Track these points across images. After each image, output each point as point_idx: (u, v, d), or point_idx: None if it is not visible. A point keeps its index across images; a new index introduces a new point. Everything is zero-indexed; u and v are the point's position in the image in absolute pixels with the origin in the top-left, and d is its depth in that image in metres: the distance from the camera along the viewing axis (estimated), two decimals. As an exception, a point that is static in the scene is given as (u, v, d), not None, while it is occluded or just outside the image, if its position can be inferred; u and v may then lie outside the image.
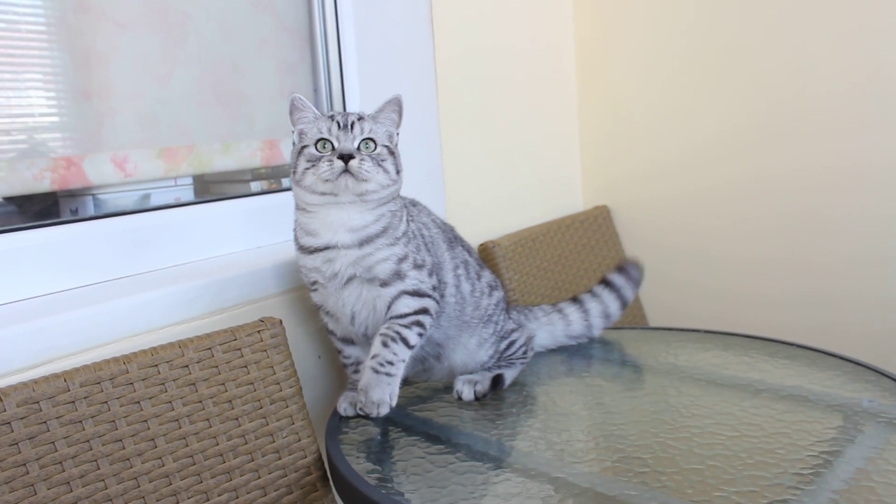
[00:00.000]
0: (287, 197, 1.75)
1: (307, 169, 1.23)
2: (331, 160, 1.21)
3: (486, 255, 1.89)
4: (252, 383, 1.23)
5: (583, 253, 2.22)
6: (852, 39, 1.94)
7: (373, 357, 1.25)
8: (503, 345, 1.46)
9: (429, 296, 1.30)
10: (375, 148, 1.25)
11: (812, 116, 2.03)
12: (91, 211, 1.50)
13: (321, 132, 1.24)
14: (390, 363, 1.24)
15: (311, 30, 1.90)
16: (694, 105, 2.23)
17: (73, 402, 1.05)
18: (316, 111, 1.28)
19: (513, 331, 1.48)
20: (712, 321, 2.20)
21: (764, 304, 2.17)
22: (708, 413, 1.28)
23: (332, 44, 1.90)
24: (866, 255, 1.99)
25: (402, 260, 1.28)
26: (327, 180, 1.21)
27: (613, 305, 1.67)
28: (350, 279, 1.27)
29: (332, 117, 1.25)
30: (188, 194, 1.67)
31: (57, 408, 1.03)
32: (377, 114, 1.29)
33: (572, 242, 2.20)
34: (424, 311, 1.29)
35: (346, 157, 1.20)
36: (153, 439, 1.11)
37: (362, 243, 1.26)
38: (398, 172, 1.28)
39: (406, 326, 1.27)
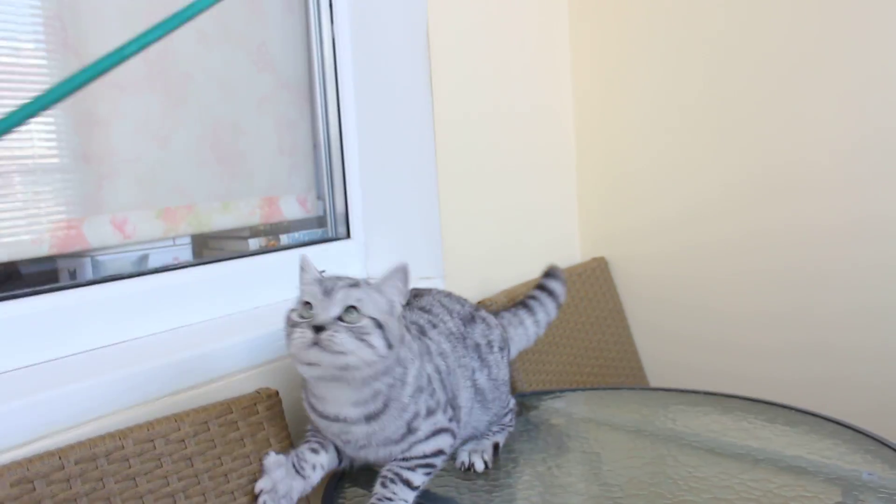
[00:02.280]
0: (286, 256, 1.77)
1: (289, 335, 1.13)
2: (304, 329, 1.10)
3: (484, 315, 1.89)
4: (247, 456, 1.22)
5: (580, 306, 2.22)
6: (850, 99, 1.96)
7: (373, 494, 1.19)
8: (502, 407, 1.45)
9: (445, 430, 1.26)
10: (359, 320, 1.12)
11: (809, 174, 2.04)
12: (89, 273, 1.50)
13: (305, 294, 1.15)
14: (389, 499, 1.17)
15: (310, 87, 1.91)
16: (692, 162, 2.24)
17: (68, 479, 1.04)
18: (317, 273, 1.21)
19: (509, 390, 1.48)
20: (711, 374, 2.20)
21: (763, 357, 2.16)
22: (706, 486, 1.27)
23: (332, 101, 1.92)
24: (865, 307, 2.00)
25: (411, 421, 1.21)
26: (299, 350, 1.11)
27: (553, 312, 1.74)
28: (365, 446, 1.22)
29: (320, 282, 1.16)
30: (186, 253, 1.68)
31: (51, 486, 1.02)
32: (381, 282, 1.19)
33: (569, 295, 2.19)
34: (439, 452, 1.25)
35: (318, 328, 1.09)
36: (148, 516, 1.10)
37: (369, 419, 1.18)
38: (389, 347, 1.14)
39: (411, 469, 1.21)
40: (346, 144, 1.94)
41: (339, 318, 1.11)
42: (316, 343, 1.09)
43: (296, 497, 1.18)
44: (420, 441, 1.23)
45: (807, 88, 2.02)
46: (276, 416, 1.28)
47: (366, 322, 1.12)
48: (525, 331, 1.67)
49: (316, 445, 1.25)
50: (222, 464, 1.19)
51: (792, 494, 1.22)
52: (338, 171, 1.95)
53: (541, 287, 1.76)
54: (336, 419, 1.19)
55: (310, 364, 1.12)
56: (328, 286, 1.14)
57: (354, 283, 1.16)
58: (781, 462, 1.34)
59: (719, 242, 2.22)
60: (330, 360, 1.10)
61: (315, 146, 1.95)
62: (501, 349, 1.47)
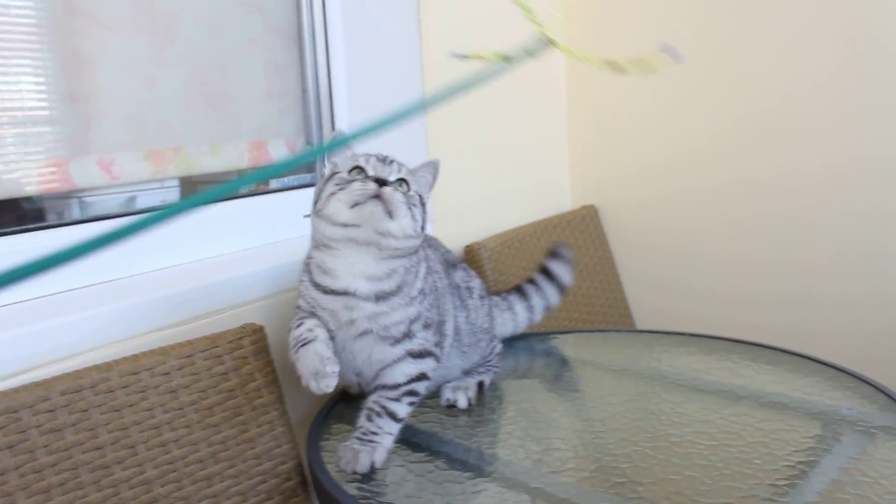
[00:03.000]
0: (276, 199, 1.77)
1: (333, 193, 1.13)
2: (364, 181, 1.12)
3: (472, 257, 1.89)
4: (232, 390, 1.24)
5: (570, 253, 2.22)
6: (838, 45, 1.95)
7: (357, 428, 1.19)
8: (487, 350, 1.46)
9: (431, 354, 1.25)
10: (409, 190, 1.18)
11: (798, 120, 2.03)
12: (76, 214, 1.50)
13: (356, 161, 1.17)
14: (374, 433, 1.18)
15: (299, 31, 1.90)
16: (682, 108, 2.23)
17: (54, 410, 1.05)
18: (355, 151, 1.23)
19: (494, 336, 1.49)
20: (698, 321, 2.21)
21: (750, 305, 2.18)
22: (688, 421, 1.29)
23: (321, 45, 1.90)
24: (852, 255, 2.00)
25: (413, 321, 1.21)
26: (355, 203, 1.11)
27: (554, 298, 1.67)
28: (365, 333, 1.19)
29: (369, 154, 1.20)
30: (174, 196, 1.68)
31: (37, 416, 1.04)
32: (414, 170, 1.24)
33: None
34: (422, 376, 1.24)
35: (380, 182, 1.12)
36: (133, 447, 1.11)
37: (378, 298, 1.17)
38: (423, 228, 1.19)
39: (396, 399, 1.21)
40: (335, 89, 1.93)
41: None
42: (377, 196, 1.11)
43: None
44: (412, 353, 1.22)
45: (795, 33, 2.01)
46: (261, 351, 1.29)
47: (414, 195, 1.18)
48: (514, 316, 1.62)
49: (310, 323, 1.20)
50: (207, 397, 1.20)
51: (772, 428, 1.24)
52: (326, 116, 1.94)
53: (542, 269, 1.69)
54: (345, 293, 1.17)
55: (351, 225, 1.13)
56: (382, 155, 1.19)
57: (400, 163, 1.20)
58: (763, 398, 1.35)
59: (708, 189, 2.22)
60: (378, 220, 1.12)
61: (304, 91, 1.94)
62: (482, 297, 1.47)
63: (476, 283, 1.48)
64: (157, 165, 1.61)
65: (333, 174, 1.18)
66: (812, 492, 1.05)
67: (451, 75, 1.97)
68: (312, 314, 1.21)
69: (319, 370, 1.11)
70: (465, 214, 2.04)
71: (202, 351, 1.21)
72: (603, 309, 2.28)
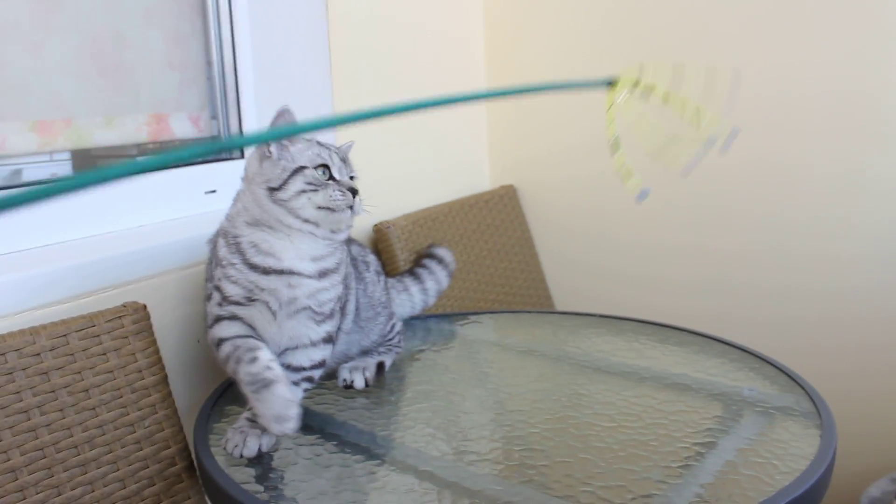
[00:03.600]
0: (176, 174, 1.70)
1: (304, 192, 1.14)
2: (342, 191, 1.16)
3: (380, 237, 1.84)
4: (111, 371, 1.17)
5: (486, 233, 2.19)
6: (753, 46, 1.95)
7: (248, 409, 1.16)
8: (387, 328, 1.42)
9: (332, 341, 1.25)
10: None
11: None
12: (-47, 187, 1.42)
13: (321, 157, 1.18)
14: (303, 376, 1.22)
15: (203, 0, 1.82)
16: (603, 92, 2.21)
17: None
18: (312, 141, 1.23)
19: (393, 314, 1.45)
20: (616, 304, 2.19)
21: (666, 289, 2.17)
22: (589, 402, 1.26)
23: (225, 15, 1.83)
24: (764, 247, 2.01)
25: (341, 297, 1.24)
26: (329, 210, 1.15)
27: (445, 281, 1.70)
28: (302, 309, 1.18)
29: (320, 144, 1.21)
30: (66, 170, 1.59)
31: None
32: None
33: (475, 222, 2.16)
34: (322, 363, 1.24)
35: (353, 191, 1.17)
36: (-2, 432, 1.04)
37: (321, 275, 1.19)
38: None
39: (295, 383, 1.20)
40: (240, 60, 1.86)
41: None
42: (350, 206, 1.17)
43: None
44: (324, 337, 1.22)
45: (720, 26, 1.99)
46: (144, 330, 1.23)
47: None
48: (410, 297, 1.64)
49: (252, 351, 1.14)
50: (83, 379, 1.13)
51: (672, 409, 1.22)
52: (231, 89, 1.87)
53: (428, 255, 1.74)
54: (290, 272, 1.16)
55: (314, 222, 1.16)
56: (341, 153, 1.23)
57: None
58: (666, 380, 1.33)
59: (627, 173, 2.21)
60: (345, 223, 1.19)
61: (208, 63, 1.86)
62: (378, 273, 1.45)
63: (371, 258, 1.45)
64: (44, 137, 1.53)
65: (301, 168, 1.15)
66: (705, 473, 1.03)
67: (357, 41, 1.92)
68: (241, 307, 1.18)
69: (283, 414, 1.08)
70: (377, 193, 1.97)
71: (77, 331, 1.14)
72: (522, 290, 2.25)
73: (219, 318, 1.18)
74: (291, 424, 1.08)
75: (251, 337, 1.17)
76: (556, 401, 1.28)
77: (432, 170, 2.23)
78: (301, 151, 1.18)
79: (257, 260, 1.16)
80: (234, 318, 1.17)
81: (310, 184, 1.14)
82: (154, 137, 1.75)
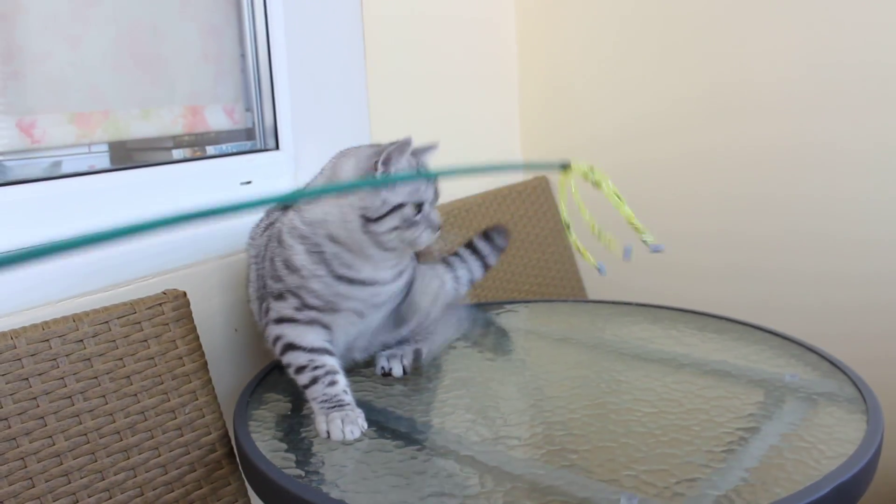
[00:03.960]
0: (211, 165, 1.71)
1: (397, 228, 1.14)
2: (431, 229, 1.18)
3: (416, 227, 1.84)
4: (152, 358, 1.18)
5: (519, 224, 2.18)
6: (799, 28, 1.92)
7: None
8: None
9: None
10: None
11: (754, 98, 2.00)
12: (-5, 177, 1.43)
13: (419, 194, 1.17)
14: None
15: (237, -8, 1.83)
16: (637, 79, 2.19)
17: (-46, 378, 0.99)
18: (411, 160, 1.21)
19: None
20: (651, 294, 2.17)
21: (702, 279, 2.15)
22: (628, 389, 1.25)
23: (259, 7, 1.84)
24: (801, 232, 1.99)
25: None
26: (410, 243, 1.17)
27: (478, 272, 1.64)
28: (384, 305, 1.25)
29: (420, 172, 1.21)
30: (104, 162, 1.60)
31: (-66, 385, 0.97)
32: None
33: (509, 213, 2.16)
34: None
35: (437, 228, 1.20)
36: (42, 417, 1.05)
37: (398, 276, 1.24)
38: None
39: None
40: (275, 53, 1.86)
41: None
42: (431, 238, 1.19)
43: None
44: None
45: (757, 8, 1.97)
46: (184, 318, 1.23)
47: None
48: (442, 286, 1.58)
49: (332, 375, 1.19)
50: (124, 365, 1.14)
51: (713, 395, 1.20)
52: (266, 81, 1.87)
53: (469, 245, 1.68)
54: (373, 283, 1.20)
55: (394, 249, 1.18)
56: (436, 189, 1.23)
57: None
58: (706, 366, 1.32)
59: (661, 162, 2.19)
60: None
61: (242, 55, 1.87)
62: (412, 260, 1.44)
63: None
64: (82, 129, 1.54)
65: (401, 206, 1.15)
66: (750, 457, 1.01)
67: (395, 34, 1.92)
68: (324, 314, 1.21)
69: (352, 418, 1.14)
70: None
71: (119, 317, 1.15)
72: (555, 281, 2.24)
73: (293, 320, 1.19)
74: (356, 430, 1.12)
75: (328, 353, 1.20)
76: (595, 387, 1.27)
77: (464, 159, 2.22)
78: (404, 189, 1.16)
79: (343, 272, 1.18)
80: (312, 322, 1.19)
81: (404, 221, 1.15)
82: (189, 129, 1.76)
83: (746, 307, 2.00)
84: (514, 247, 2.14)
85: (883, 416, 1.09)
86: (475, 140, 2.28)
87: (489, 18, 2.31)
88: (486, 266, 1.64)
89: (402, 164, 1.17)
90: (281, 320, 1.20)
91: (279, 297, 1.20)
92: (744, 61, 2.01)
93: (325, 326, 1.21)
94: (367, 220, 1.14)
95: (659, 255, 2.17)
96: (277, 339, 1.20)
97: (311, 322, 1.19)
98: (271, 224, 1.28)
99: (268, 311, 1.22)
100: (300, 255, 1.18)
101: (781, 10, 1.94)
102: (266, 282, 1.22)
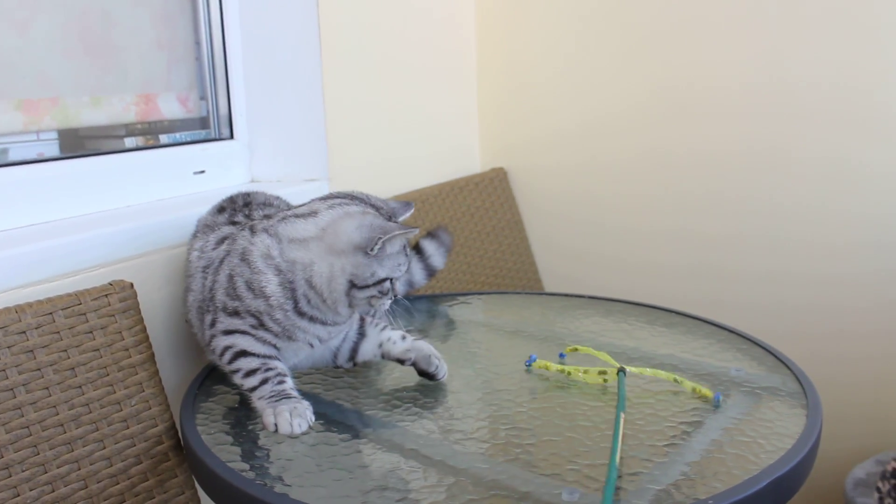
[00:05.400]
0: (163, 154, 1.69)
1: (374, 297, 1.19)
2: (394, 298, 1.24)
3: (370, 218, 1.84)
4: (98, 349, 1.16)
5: (476, 215, 2.18)
6: (753, 36, 1.94)
7: (403, 338, 1.32)
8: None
9: None
10: None
11: (708, 101, 2.03)
12: (-63, 164, 1.41)
13: (400, 269, 1.21)
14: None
15: (191, -21, 1.81)
16: (596, 75, 2.20)
17: None
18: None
19: None
20: (605, 288, 2.19)
21: (655, 275, 2.17)
22: (576, 382, 1.26)
23: (214, -6, 1.82)
24: (751, 232, 2.03)
25: None
26: (375, 307, 1.22)
27: (419, 275, 1.66)
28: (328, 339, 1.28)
29: (405, 246, 1.22)
30: (53, 149, 1.58)
31: None
32: None
33: (465, 204, 2.16)
34: None
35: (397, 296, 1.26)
36: (-18, 410, 1.04)
37: (350, 319, 1.28)
38: None
39: None
40: (229, 41, 1.85)
41: None
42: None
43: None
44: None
45: (713, 12, 1.99)
46: (130, 309, 1.22)
47: None
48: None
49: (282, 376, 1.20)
50: (69, 357, 1.13)
51: (659, 389, 1.22)
52: (220, 70, 1.86)
53: (414, 246, 1.70)
54: (333, 324, 1.23)
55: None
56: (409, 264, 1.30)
57: None
58: (654, 360, 1.34)
59: (617, 160, 2.20)
60: None
61: (197, 43, 1.85)
62: None
63: None
64: (30, 116, 1.52)
65: (387, 279, 1.19)
66: (691, 451, 1.03)
67: (347, 19, 1.90)
68: (273, 349, 1.21)
69: (296, 418, 1.13)
70: (364, 175, 1.98)
71: (63, 308, 1.14)
72: (511, 273, 2.25)
73: (245, 333, 1.19)
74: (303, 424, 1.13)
75: (278, 360, 1.21)
76: (542, 380, 1.28)
77: (422, 152, 2.22)
78: (391, 257, 1.19)
79: (306, 309, 1.19)
80: (265, 342, 1.20)
81: (380, 291, 1.19)
82: (142, 118, 1.74)
83: (698, 304, 2.03)
84: (470, 239, 2.14)
85: (822, 412, 1.11)
86: (432, 133, 2.27)
87: (449, 13, 2.31)
88: (429, 269, 1.66)
89: (396, 246, 1.19)
90: (232, 332, 1.19)
91: (234, 313, 1.18)
92: (699, 65, 2.04)
93: (275, 348, 1.21)
94: (353, 285, 1.16)
95: (615, 252, 2.21)
96: (227, 348, 1.19)
97: (264, 342, 1.19)
98: (225, 238, 1.26)
99: (214, 322, 1.20)
100: (272, 285, 1.17)
101: (736, 17, 1.96)
102: (215, 295, 1.20)
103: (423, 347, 1.29)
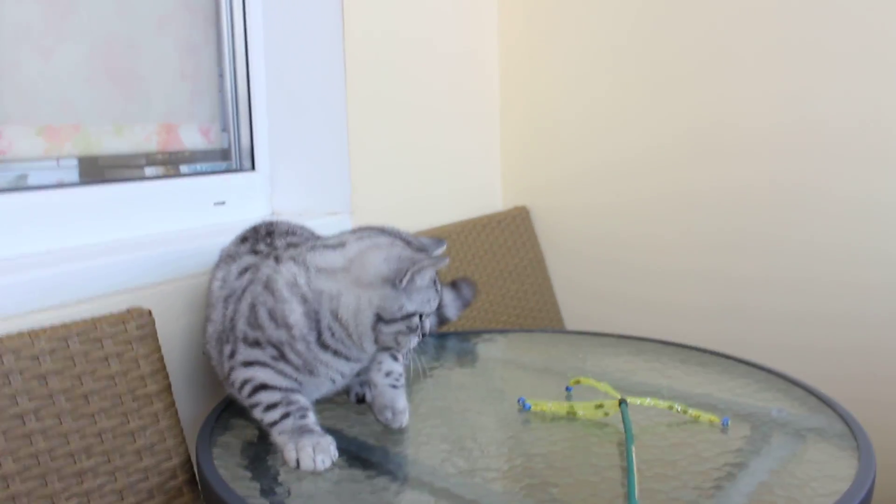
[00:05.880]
0: (184, 184, 1.66)
1: (401, 332, 1.13)
2: (420, 335, 1.17)
3: (393, 253, 1.79)
4: (112, 377, 1.12)
5: (498, 254, 2.14)
6: (782, 74, 1.91)
7: (387, 374, 1.21)
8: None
9: None
10: None
11: (736, 140, 1.99)
12: (-44, 188, 1.38)
13: (430, 305, 1.16)
14: (401, 374, 1.24)
15: (216, 10, 1.79)
16: (620, 115, 2.17)
17: None
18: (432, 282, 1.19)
19: None
20: (629, 331, 2.13)
21: (680, 316, 2.11)
22: (610, 420, 1.20)
23: (239, 26, 1.80)
24: (781, 272, 1.97)
25: None
26: (402, 345, 1.15)
27: (454, 315, 1.62)
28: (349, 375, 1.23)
29: (435, 279, 1.17)
30: (73, 177, 1.55)
31: None
32: None
33: (487, 242, 2.12)
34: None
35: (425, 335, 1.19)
36: (-10, 438, 0.99)
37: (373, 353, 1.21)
38: None
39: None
40: (253, 73, 1.83)
41: None
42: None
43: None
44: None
45: (741, 51, 1.96)
46: (148, 336, 1.17)
47: None
48: None
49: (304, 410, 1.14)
50: (82, 384, 1.08)
51: (699, 429, 1.16)
52: (243, 101, 1.84)
53: (451, 284, 1.67)
54: (357, 359, 1.18)
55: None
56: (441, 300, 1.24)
57: None
58: (690, 399, 1.28)
59: (642, 200, 2.16)
60: None
61: (220, 75, 1.83)
62: None
63: None
64: (51, 142, 1.49)
65: (415, 314, 1.13)
66: (739, 494, 0.97)
67: (376, 59, 1.89)
68: (295, 383, 1.16)
69: (319, 454, 1.08)
70: (386, 208, 1.94)
71: (78, 334, 1.09)
72: (533, 312, 2.20)
73: (266, 365, 1.14)
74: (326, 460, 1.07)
75: (300, 393, 1.15)
76: (576, 419, 1.22)
77: (444, 189, 2.19)
78: (420, 291, 1.14)
79: (331, 343, 1.14)
80: (286, 376, 1.14)
81: (409, 327, 1.13)
82: (163, 147, 1.71)
83: (726, 345, 1.95)
84: (492, 277, 2.09)
85: (874, 453, 1.05)
86: (455, 170, 2.24)
87: (472, 50, 2.29)
88: (440, 318, 1.60)
89: (426, 279, 1.14)
90: (252, 363, 1.14)
91: (254, 343, 1.14)
92: (726, 103, 2.00)
93: (297, 382, 1.15)
94: (380, 319, 1.11)
95: (639, 292, 2.15)
96: (246, 381, 1.13)
97: (284, 375, 1.14)
98: (248, 268, 1.22)
99: (233, 353, 1.15)
100: (296, 314, 1.12)
101: (763, 54, 1.93)
102: (236, 324, 1.15)
103: (389, 395, 1.22)
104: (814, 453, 1.09)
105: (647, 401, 1.22)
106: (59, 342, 1.07)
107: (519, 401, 1.26)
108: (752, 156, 1.97)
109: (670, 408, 1.20)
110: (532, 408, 1.25)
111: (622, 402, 1.18)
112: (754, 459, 1.06)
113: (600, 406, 1.20)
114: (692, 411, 1.18)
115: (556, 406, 1.24)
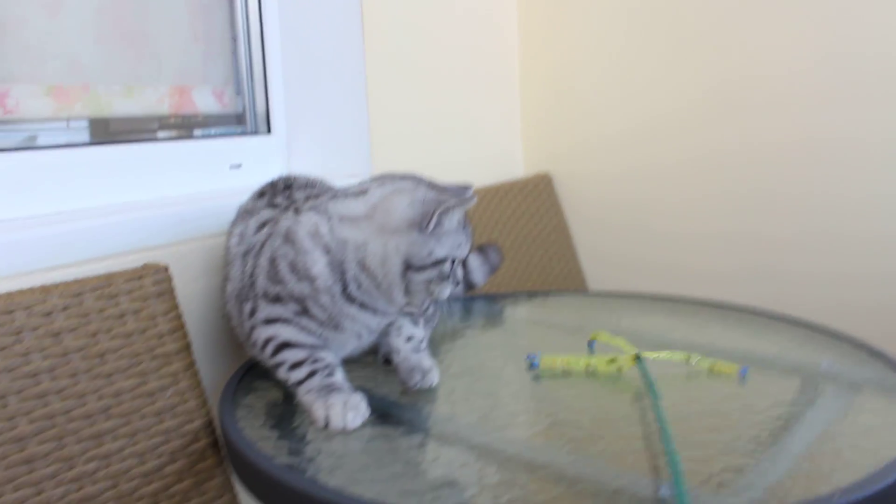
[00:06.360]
0: (198, 146, 1.61)
1: (431, 281, 1.07)
2: (451, 284, 1.10)
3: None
4: (130, 335, 1.06)
5: (521, 220, 2.08)
6: (808, 20, 1.84)
7: (409, 339, 1.16)
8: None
9: None
10: None
11: (763, 93, 1.92)
12: (-37, 148, 1.32)
13: (461, 250, 1.09)
14: (423, 339, 1.19)
15: (229, -31, 1.73)
16: (643, 78, 2.10)
17: None
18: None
19: None
20: (658, 295, 2.08)
21: (710, 280, 2.05)
22: (654, 376, 1.14)
23: (252, -15, 1.74)
24: (815, 230, 1.90)
25: None
26: (433, 295, 1.09)
27: (482, 280, 1.56)
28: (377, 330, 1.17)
29: (465, 222, 1.11)
30: (83, 138, 1.49)
31: None
32: None
33: (510, 209, 2.06)
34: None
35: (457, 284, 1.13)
36: (3, 397, 0.93)
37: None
38: None
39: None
40: (267, 34, 1.76)
41: None
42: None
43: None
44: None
45: (764, 6, 1.89)
46: (165, 293, 1.12)
47: None
48: None
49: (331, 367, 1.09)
50: (98, 342, 1.03)
51: (747, 381, 1.10)
52: (258, 64, 1.77)
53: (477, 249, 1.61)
54: (384, 313, 1.13)
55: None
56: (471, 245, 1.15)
57: None
58: (734, 354, 1.21)
59: (667, 163, 2.10)
60: None
61: (234, 37, 1.77)
62: None
63: None
64: (60, 103, 1.43)
65: (446, 260, 1.07)
66: (799, 443, 0.91)
67: (394, 23, 1.82)
68: (319, 339, 1.10)
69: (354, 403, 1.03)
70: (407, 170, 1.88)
71: (93, 290, 1.04)
72: (557, 279, 2.14)
73: (288, 321, 1.08)
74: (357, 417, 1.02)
75: (326, 350, 1.10)
76: (617, 374, 1.16)
77: (465, 154, 2.13)
78: (449, 234, 1.07)
79: (358, 295, 1.08)
80: (309, 332, 1.09)
81: (440, 275, 1.07)
82: (176, 110, 1.66)
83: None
84: (516, 243, 2.03)
85: (941, 401, 0.99)
86: (475, 135, 2.18)
87: (491, 13, 2.22)
88: (468, 284, 1.54)
89: (454, 221, 1.07)
90: (274, 321, 1.08)
91: (275, 299, 1.08)
92: (751, 56, 1.93)
93: (322, 338, 1.10)
94: (409, 266, 1.05)
95: (665, 258, 2.09)
96: (269, 340, 1.08)
97: (308, 331, 1.08)
98: (266, 222, 1.16)
99: (254, 311, 1.09)
100: (319, 265, 1.06)
101: (789, 2, 1.86)
102: (256, 280, 1.10)
103: (414, 358, 1.16)
104: (873, 402, 1.03)
105: (664, 353, 1.15)
106: (73, 298, 1.02)
107: (527, 357, 1.19)
108: (783, 109, 1.90)
109: (687, 360, 1.14)
110: (540, 365, 1.18)
111: (638, 358, 1.12)
112: (810, 411, 1.00)
113: (613, 361, 1.14)
114: (705, 361, 1.13)
115: (567, 360, 1.17)
